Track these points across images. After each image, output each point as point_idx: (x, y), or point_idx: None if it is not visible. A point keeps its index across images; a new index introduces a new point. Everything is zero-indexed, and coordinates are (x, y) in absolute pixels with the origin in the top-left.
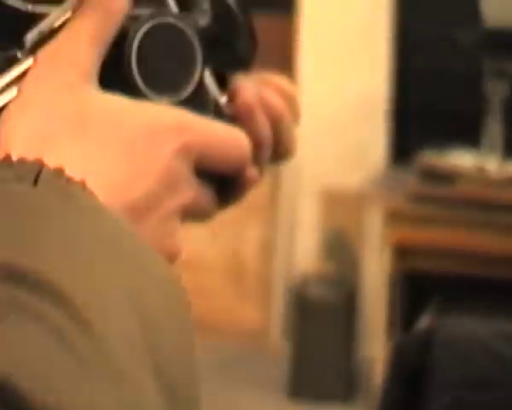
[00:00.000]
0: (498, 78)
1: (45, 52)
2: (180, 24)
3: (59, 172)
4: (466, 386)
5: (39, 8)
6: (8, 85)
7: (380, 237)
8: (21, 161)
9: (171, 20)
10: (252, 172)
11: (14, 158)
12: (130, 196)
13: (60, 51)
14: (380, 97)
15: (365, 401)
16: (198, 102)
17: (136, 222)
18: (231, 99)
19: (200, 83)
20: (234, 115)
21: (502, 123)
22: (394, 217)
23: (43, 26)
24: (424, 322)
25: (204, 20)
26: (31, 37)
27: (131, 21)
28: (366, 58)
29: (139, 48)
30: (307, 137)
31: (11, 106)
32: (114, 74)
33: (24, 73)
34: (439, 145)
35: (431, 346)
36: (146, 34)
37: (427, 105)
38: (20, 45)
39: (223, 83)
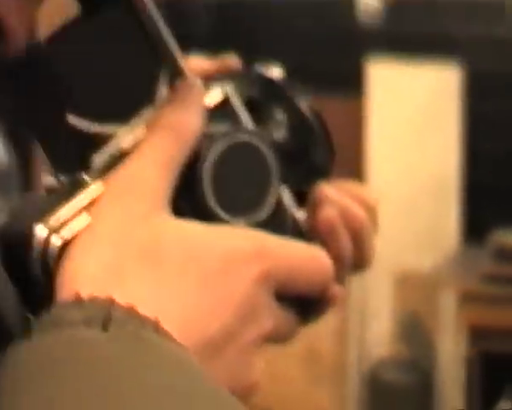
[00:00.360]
0: None
1: (115, 179)
2: (255, 141)
3: (130, 311)
4: None
5: (105, 129)
6: (76, 212)
7: (454, 318)
8: (90, 300)
9: (245, 137)
10: (334, 290)
11: (83, 297)
12: (207, 332)
13: (131, 179)
14: (451, 177)
15: None
16: (275, 221)
17: (211, 357)
18: (310, 213)
19: (278, 201)
20: (313, 230)
21: None
22: (468, 298)
23: (110, 148)
24: (503, 406)
25: (280, 134)
26: (98, 159)
27: (204, 140)
28: (436, 138)
29: (213, 169)
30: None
31: (79, 238)
32: (187, 196)
33: (93, 199)
34: None
35: None
36: (220, 155)
37: (499, 183)
38: (87, 167)
39: (300, 194)
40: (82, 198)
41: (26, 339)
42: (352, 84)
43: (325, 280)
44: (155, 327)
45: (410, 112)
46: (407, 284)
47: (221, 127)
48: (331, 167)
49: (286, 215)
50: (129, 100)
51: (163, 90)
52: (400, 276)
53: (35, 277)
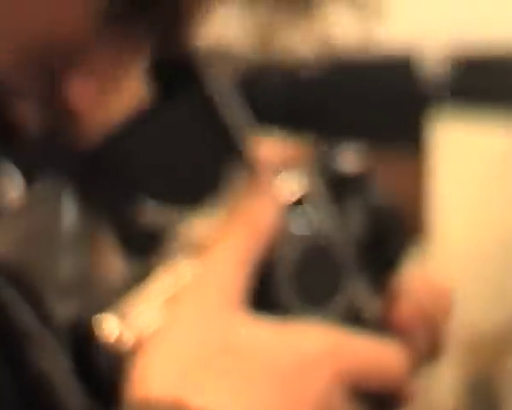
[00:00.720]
0: None
1: (191, 275)
2: (332, 241)
3: None
4: None
5: (173, 217)
6: (149, 306)
7: None
8: (159, 404)
9: (323, 239)
10: (409, 386)
11: (152, 400)
12: None
13: (205, 275)
14: None
15: None
16: (350, 314)
17: None
18: (385, 305)
19: (353, 294)
20: (388, 324)
21: None
22: None
23: (180, 237)
24: None
25: (355, 226)
26: (167, 249)
27: (281, 239)
28: (505, 199)
29: (290, 268)
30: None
31: (153, 335)
32: (262, 291)
33: (166, 294)
34: None
35: None
36: (298, 255)
37: None
38: (157, 256)
39: (375, 285)
40: (155, 291)
41: None
42: (417, 143)
43: (400, 378)
44: None
45: (478, 174)
46: (477, 345)
47: (299, 223)
48: (404, 258)
49: (360, 308)
50: (198, 189)
51: (234, 180)
52: (469, 338)
53: (101, 371)
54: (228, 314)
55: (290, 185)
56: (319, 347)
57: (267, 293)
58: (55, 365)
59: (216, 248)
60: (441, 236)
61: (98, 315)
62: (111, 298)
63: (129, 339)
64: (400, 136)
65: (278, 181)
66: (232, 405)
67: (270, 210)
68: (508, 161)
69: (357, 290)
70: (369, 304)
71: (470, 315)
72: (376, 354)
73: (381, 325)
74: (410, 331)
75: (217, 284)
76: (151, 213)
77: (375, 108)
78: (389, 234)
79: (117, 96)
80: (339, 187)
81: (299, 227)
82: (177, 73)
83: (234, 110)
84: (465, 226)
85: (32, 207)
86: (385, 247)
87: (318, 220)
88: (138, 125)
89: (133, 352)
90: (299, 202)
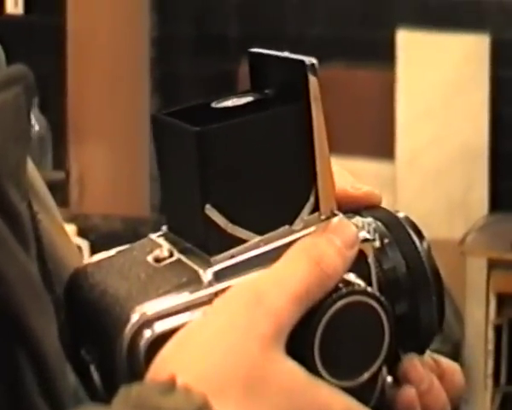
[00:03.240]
0: None
1: (241, 287)
2: (378, 311)
3: None
4: None
5: (238, 232)
6: (189, 306)
7: (483, 286)
8: (185, 391)
9: (368, 300)
10: None
11: (178, 383)
12: None
13: (259, 295)
14: (480, 145)
15: None
16: (369, 388)
17: None
18: (398, 382)
19: (378, 371)
20: (395, 401)
21: None
22: (497, 266)
23: (235, 251)
24: None
25: (400, 305)
26: (221, 259)
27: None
28: (465, 107)
29: (327, 325)
30: (408, 188)
31: (189, 330)
32: (297, 340)
33: (204, 301)
34: None
35: None
36: (337, 312)
37: None
38: (208, 262)
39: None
40: (198, 294)
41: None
42: (382, 54)
43: None
44: None
45: (439, 81)
46: (436, 252)
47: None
48: (433, 338)
49: (378, 383)
50: (270, 213)
51: (305, 215)
52: (430, 243)
53: (120, 363)
54: (270, 342)
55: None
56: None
57: (299, 341)
58: (10, 259)
59: (275, 272)
60: (404, 145)
61: (128, 307)
62: (145, 288)
63: (147, 335)
64: (372, 53)
65: (357, 234)
66: None
67: (343, 259)
68: (469, 69)
69: (382, 370)
70: (387, 378)
71: (431, 223)
72: None
73: (389, 400)
74: None
75: (268, 308)
76: (217, 217)
77: (343, 15)
78: (426, 297)
79: None
80: (391, 235)
81: (350, 286)
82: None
83: (324, 142)
84: (428, 135)
85: None
86: (420, 328)
87: (367, 285)
88: (233, 120)
89: (154, 348)
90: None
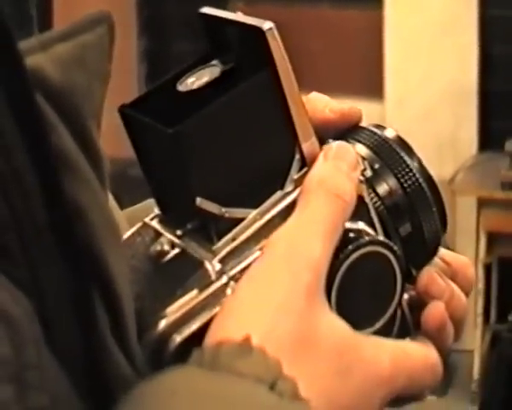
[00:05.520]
0: None
1: (273, 244)
2: (386, 254)
3: (295, 388)
4: None
5: (234, 213)
6: (206, 305)
7: (472, 224)
8: (262, 354)
9: (380, 249)
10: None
11: (254, 345)
12: None
13: (295, 246)
14: (468, 84)
15: (462, 394)
16: (386, 329)
17: None
18: (417, 298)
19: (395, 310)
20: (419, 318)
21: None
22: (487, 204)
23: (235, 232)
24: None
25: (404, 227)
26: (223, 244)
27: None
28: (453, 45)
29: (343, 276)
30: (397, 128)
31: (238, 296)
32: None
33: (221, 290)
34: None
35: None
36: (352, 262)
37: None
38: (212, 255)
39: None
40: (207, 292)
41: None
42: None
43: (436, 380)
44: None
45: (428, 20)
46: None
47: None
48: (441, 243)
49: (396, 321)
50: (259, 184)
51: (294, 174)
52: None
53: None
54: (315, 292)
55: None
56: (382, 369)
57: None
58: (93, 198)
59: (301, 218)
60: (393, 85)
61: (153, 315)
62: (166, 292)
63: (176, 341)
64: None
65: (357, 156)
66: (309, 389)
67: (354, 183)
68: (458, 7)
69: (400, 305)
70: (404, 301)
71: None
72: (420, 365)
73: (412, 321)
74: (441, 331)
75: (305, 257)
76: (209, 206)
77: None
78: (427, 212)
79: None
80: (379, 153)
81: (359, 238)
82: None
83: (298, 96)
84: (417, 74)
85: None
86: (422, 231)
87: (372, 230)
88: (204, 112)
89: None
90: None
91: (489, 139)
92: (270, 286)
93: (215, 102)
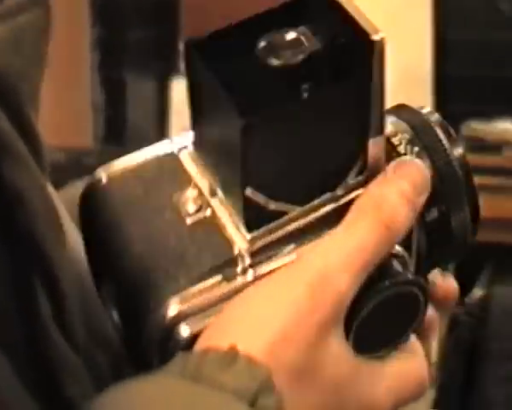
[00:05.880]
0: None
1: (306, 260)
2: (418, 292)
3: (279, 405)
4: None
5: (281, 207)
6: (225, 298)
7: None
8: (248, 363)
9: (413, 289)
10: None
11: (240, 353)
12: None
13: (324, 274)
14: (423, 69)
15: None
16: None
17: None
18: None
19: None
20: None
21: None
22: None
23: (274, 225)
24: (477, 293)
25: (430, 211)
26: (260, 235)
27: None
28: (408, 29)
29: (367, 313)
30: None
31: (245, 297)
32: None
33: (244, 286)
34: (486, 114)
35: (485, 317)
36: (380, 301)
37: (472, 74)
38: (246, 243)
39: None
40: (230, 286)
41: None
42: None
43: (423, 393)
44: None
45: (381, 5)
46: None
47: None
48: (471, 243)
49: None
50: (314, 183)
51: (350, 180)
52: None
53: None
54: (327, 330)
55: None
56: (385, 394)
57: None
58: (33, 183)
59: (336, 239)
60: None
61: (159, 295)
62: (176, 273)
63: (185, 334)
64: None
65: (424, 170)
66: (290, 403)
67: (414, 211)
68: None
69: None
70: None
71: None
72: (411, 380)
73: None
74: (430, 332)
75: (334, 294)
76: (257, 197)
77: None
78: (459, 203)
79: None
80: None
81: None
82: None
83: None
84: None
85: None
86: (450, 222)
87: (406, 269)
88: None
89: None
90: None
91: None
92: (284, 306)
93: (301, 100)
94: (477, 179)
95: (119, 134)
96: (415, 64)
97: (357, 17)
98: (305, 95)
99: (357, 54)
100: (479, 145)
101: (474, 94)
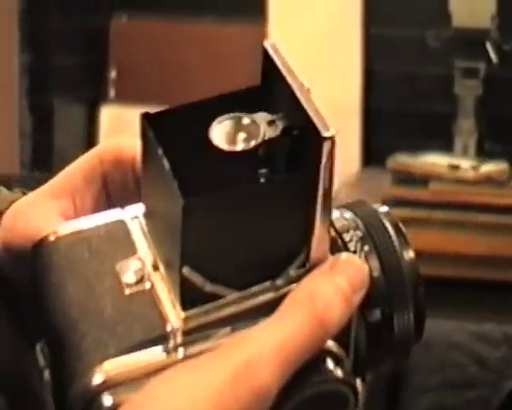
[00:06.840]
0: (469, 77)
1: (231, 349)
2: (349, 392)
3: None
4: (446, 387)
5: (217, 290)
6: (152, 372)
7: None
8: None
9: (344, 389)
10: None
11: None
12: None
13: (249, 367)
14: (351, 101)
15: None
16: None
17: None
18: None
19: None
20: None
21: (474, 123)
22: None
23: (210, 307)
24: None
25: (373, 312)
26: (194, 315)
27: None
28: (336, 62)
29: (292, 407)
30: None
31: (164, 379)
32: None
33: (174, 363)
34: (412, 147)
35: None
36: (308, 397)
37: (399, 108)
38: (180, 321)
39: None
40: (159, 360)
41: None
42: (253, 10)
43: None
44: None
45: (311, 36)
46: None
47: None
48: (409, 352)
49: None
50: (254, 269)
51: (291, 271)
52: None
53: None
54: None
55: None
56: None
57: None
58: None
59: (274, 330)
60: None
61: (85, 362)
62: (105, 341)
63: (108, 403)
64: (237, 3)
65: (363, 266)
66: None
67: (350, 308)
68: (341, 25)
69: None
70: None
71: None
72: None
73: None
74: None
75: (258, 390)
76: (194, 277)
77: None
78: (402, 307)
79: None
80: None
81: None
82: None
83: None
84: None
85: None
86: (392, 325)
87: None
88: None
89: None
90: None
91: (371, 155)
92: (206, 393)
93: (246, 186)
94: (404, 212)
95: (46, 160)
96: (343, 97)
97: (311, 111)
98: (262, 180)
99: (308, 148)
100: (405, 178)
101: (402, 127)
